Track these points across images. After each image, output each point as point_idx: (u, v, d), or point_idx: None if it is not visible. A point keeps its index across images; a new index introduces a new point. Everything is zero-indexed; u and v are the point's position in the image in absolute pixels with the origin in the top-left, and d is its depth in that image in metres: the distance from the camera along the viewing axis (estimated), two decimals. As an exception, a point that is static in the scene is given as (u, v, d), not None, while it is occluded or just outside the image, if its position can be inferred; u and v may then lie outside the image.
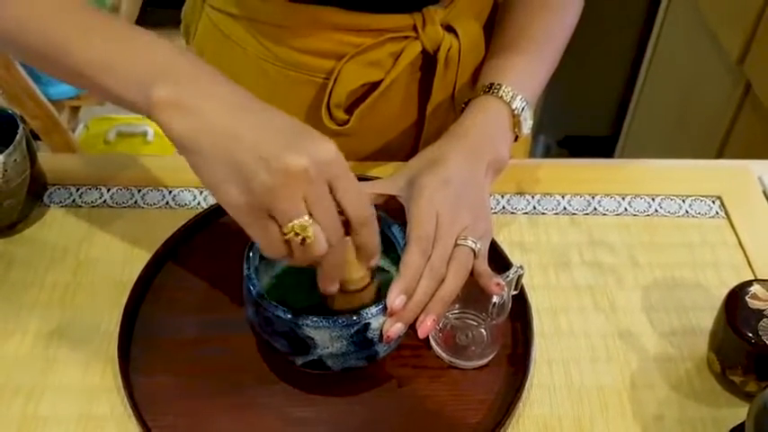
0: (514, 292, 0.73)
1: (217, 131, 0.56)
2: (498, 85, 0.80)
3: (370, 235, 0.62)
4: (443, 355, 0.73)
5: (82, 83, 0.63)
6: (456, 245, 0.70)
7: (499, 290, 0.69)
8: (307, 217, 0.56)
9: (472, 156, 0.76)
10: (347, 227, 0.60)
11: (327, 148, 0.57)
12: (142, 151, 2.18)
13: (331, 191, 0.57)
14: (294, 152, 0.55)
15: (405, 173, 0.76)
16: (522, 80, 0.82)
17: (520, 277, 0.72)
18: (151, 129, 2.25)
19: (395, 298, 0.65)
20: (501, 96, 0.79)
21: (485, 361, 0.73)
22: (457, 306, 0.74)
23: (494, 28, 0.91)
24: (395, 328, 0.66)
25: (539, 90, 0.85)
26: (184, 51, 0.61)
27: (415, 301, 0.66)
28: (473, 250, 0.70)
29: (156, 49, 0.60)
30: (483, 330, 0.73)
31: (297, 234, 0.56)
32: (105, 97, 0.62)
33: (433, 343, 0.74)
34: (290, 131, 0.58)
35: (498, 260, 0.79)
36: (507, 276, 0.71)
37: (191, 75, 0.59)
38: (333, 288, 0.63)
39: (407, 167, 0.76)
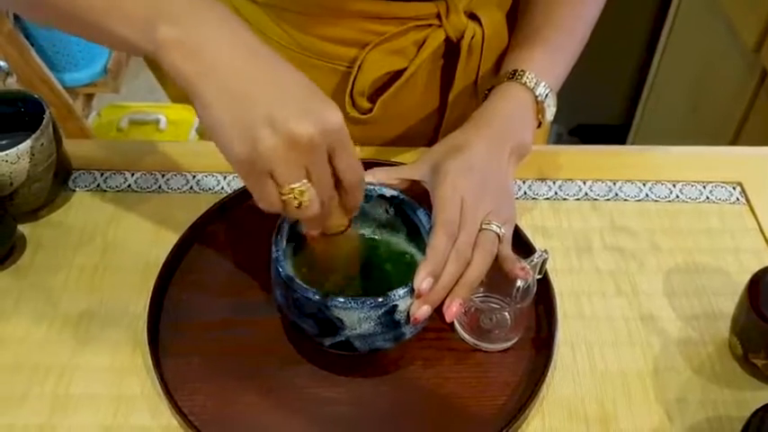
0: (539, 277, 0.73)
1: (228, 81, 0.55)
2: (522, 71, 0.80)
3: (358, 196, 0.63)
4: (468, 338, 0.74)
5: (86, 30, 0.61)
6: (481, 229, 0.70)
7: (524, 274, 0.70)
8: (305, 181, 0.57)
9: (495, 142, 0.76)
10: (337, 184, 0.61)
11: (334, 116, 0.57)
12: (155, 139, 2.19)
13: (330, 156, 0.58)
14: (302, 118, 0.55)
15: (428, 158, 0.76)
16: (546, 67, 0.82)
17: (544, 262, 0.73)
18: (164, 117, 2.25)
19: (422, 280, 0.66)
20: (524, 83, 0.79)
21: (509, 344, 0.74)
22: (481, 290, 0.74)
23: (517, 17, 0.91)
24: (422, 311, 0.66)
25: (562, 78, 0.85)
26: None
27: (442, 284, 0.67)
28: (498, 235, 0.71)
29: None
30: (507, 314, 0.74)
31: (294, 198, 0.57)
32: (111, 44, 0.61)
33: (457, 326, 0.75)
34: (300, 91, 0.57)
35: (522, 245, 0.79)
36: (532, 261, 0.72)
37: (199, 13, 0.57)
38: (314, 232, 0.65)
39: (431, 153, 0.77)
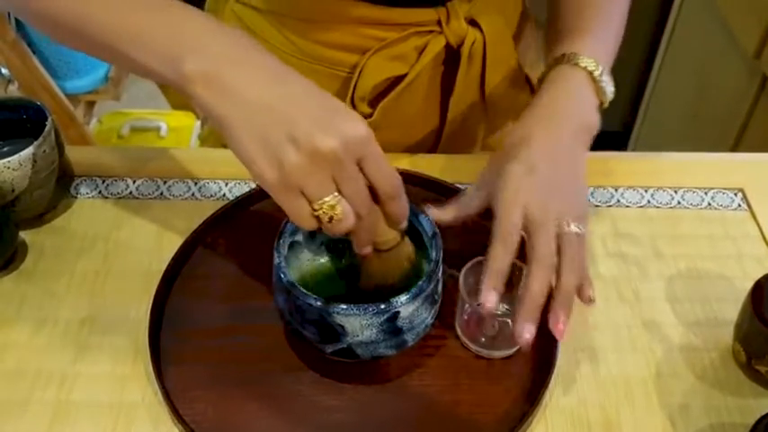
0: None
1: (249, 106, 0.56)
2: (572, 53, 0.77)
3: (400, 205, 0.62)
4: (470, 344, 0.74)
5: (112, 57, 0.63)
6: (559, 233, 0.67)
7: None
8: (336, 194, 0.57)
9: (558, 128, 0.73)
10: (376, 196, 0.60)
11: (357, 127, 0.57)
12: (156, 146, 2.19)
13: (360, 166, 0.58)
14: (324, 132, 0.55)
15: (492, 162, 0.74)
16: (594, 48, 0.78)
17: None
18: (164, 124, 2.26)
19: (486, 297, 0.65)
20: (577, 63, 0.76)
21: (511, 351, 0.74)
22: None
23: (548, 17, 0.89)
24: (527, 331, 0.64)
25: (612, 57, 0.81)
26: (215, 20, 0.61)
27: (533, 301, 0.65)
28: (578, 235, 0.67)
29: (186, 19, 0.60)
30: (510, 321, 0.74)
31: (325, 212, 0.57)
32: (135, 71, 0.62)
33: (459, 333, 0.74)
34: (322, 108, 0.58)
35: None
36: None
37: (223, 46, 0.59)
38: (366, 250, 0.64)
39: (493, 158, 0.74)
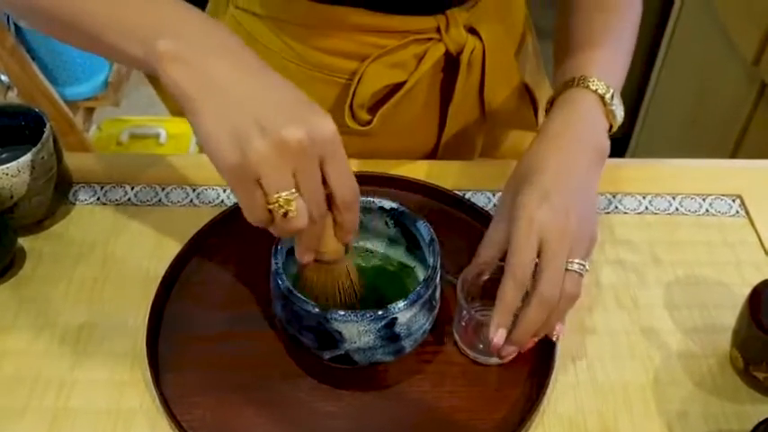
0: None
1: (220, 89, 0.56)
2: (582, 77, 0.76)
3: (353, 216, 0.61)
4: (468, 351, 0.74)
5: (89, 42, 0.62)
6: (566, 270, 0.67)
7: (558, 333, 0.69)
8: (293, 190, 0.56)
9: (572, 153, 0.72)
10: (329, 202, 0.59)
11: (326, 125, 0.56)
12: (155, 153, 2.19)
13: (322, 167, 0.57)
14: (292, 124, 0.54)
15: (505, 191, 0.73)
16: (604, 70, 0.78)
17: None
18: (164, 131, 2.26)
19: (494, 333, 0.66)
20: (587, 86, 0.76)
21: (509, 358, 0.73)
22: (479, 302, 0.74)
23: (556, 39, 0.89)
24: (507, 350, 0.67)
25: (621, 81, 0.81)
26: (193, 7, 0.60)
27: (525, 330, 0.66)
28: (581, 274, 0.67)
29: (162, 4, 0.60)
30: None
31: (281, 206, 0.56)
32: (112, 56, 0.62)
33: (457, 338, 0.74)
34: (292, 101, 0.57)
35: None
36: None
37: (198, 29, 0.58)
38: (308, 257, 0.63)
39: (507, 187, 0.74)
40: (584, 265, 0.67)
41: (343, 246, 0.64)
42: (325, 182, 0.58)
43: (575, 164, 0.72)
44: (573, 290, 0.67)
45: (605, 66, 0.79)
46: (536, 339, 0.68)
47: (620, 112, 0.77)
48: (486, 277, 0.72)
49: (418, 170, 0.91)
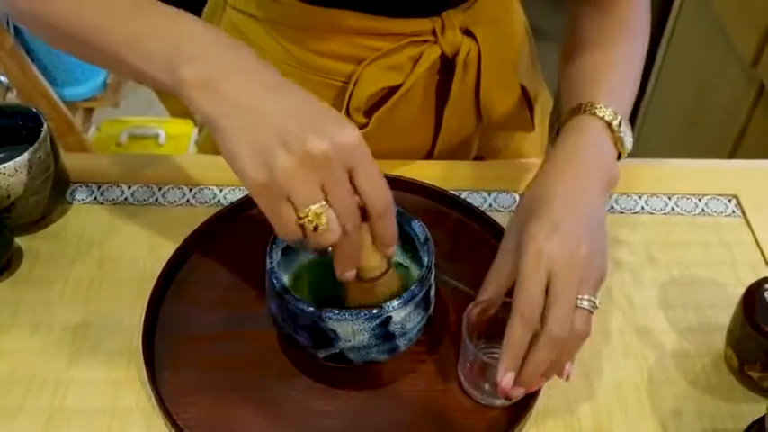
0: None
1: (244, 111, 0.56)
2: (589, 103, 0.75)
3: (388, 225, 0.60)
4: (473, 392, 0.70)
5: (108, 63, 0.63)
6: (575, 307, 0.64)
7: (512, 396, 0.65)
8: (323, 203, 0.56)
9: (580, 182, 0.70)
10: (365, 213, 0.59)
11: (350, 134, 0.56)
12: (154, 153, 2.20)
13: (351, 177, 0.57)
14: (316, 136, 0.55)
15: (513, 224, 0.70)
16: (611, 97, 0.76)
17: None
18: (163, 131, 2.26)
19: (502, 377, 0.63)
20: (594, 113, 0.74)
21: (515, 399, 0.69)
22: (487, 340, 0.71)
23: (563, 56, 0.88)
24: (515, 392, 0.64)
25: (628, 107, 0.79)
26: (214, 28, 0.61)
27: (534, 370, 0.63)
28: (591, 311, 0.64)
29: (181, 25, 0.60)
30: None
31: (311, 221, 0.56)
32: (131, 76, 0.62)
33: (461, 378, 0.71)
34: (314, 113, 0.57)
35: None
36: None
37: (222, 54, 0.59)
38: (349, 275, 0.61)
39: (514, 218, 0.71)
40: (594, 302, 0.64)
41: (384, 260, 0.64)
42: (356, 191, 0.57)
43: (584, 193, 0.69)
44: (583, 328, 0.64)
45: (612, 93, 0.77)
46: (544, 380, 0.65)
47: (628, 139, 0.75)
48: (491, 313, 0.70)
49: (414, 170, 0.91)
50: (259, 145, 0.55)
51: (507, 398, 0.65)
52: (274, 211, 0.57)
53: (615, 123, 0.73)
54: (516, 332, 0.62)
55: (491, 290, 0.69)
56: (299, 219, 0.56)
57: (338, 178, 0.56)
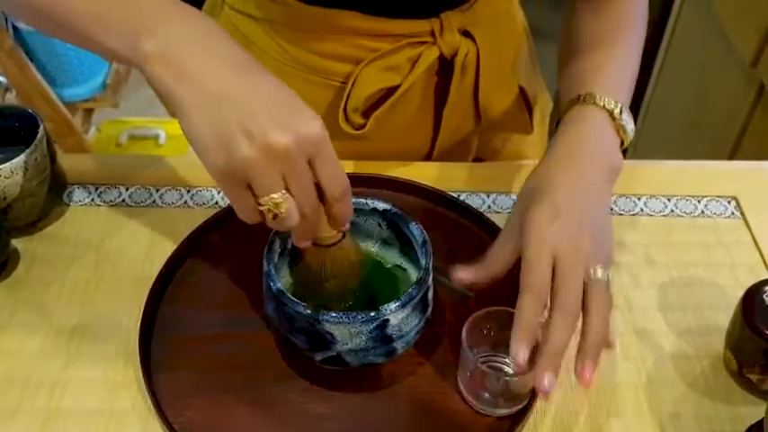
0: None
1: (206, 92, 0.56)
2: (589, 93, 0.75)
3: (344, 208, 0.62)
4: (473, 401, 0.70)
5: (75, 38, 0.62)
6: (588, 281, 0.63)
7: (547, 389, 0.61)
8: (283, 192, 0.56)
9: (583, 170, 0.70)
10: (322, 195, 0.60)
11: (312, 126, 0.56)
12: (154, 154, 2.20)
13: (310, 163, 0.57)
14: (279, 128, 0.55)
15: (515, 212, 0.70)
16: (611, 85, 0.76)
17: None
18: (163, 132, 2.26)
19: (516, 352, 0.61)
20: (595, 102, 0.74)
21: (515, 409, 0.69)
22: (487, 349, 0.71)
23: (561, 50, 0.88)
24: (547, 380, 0.60)
25: (630, 95, 0.79)
26: (179, 2, 0.60)
27: (554, 350, 0.61)
28: (605, 282, 0.64)
29: (155, 2, 0.59)
30: (515, 377, 0.67)
31: (269, 209, 0.57)
32: (101, 53, 0.62)
33: (461, 387, 0.71)
34: (279, 102, 0.57)
35: None
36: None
37: (185, 28, 0.58)
38: (305, 244, 0.64)
39: (517, 205, 0.71)
40: (606, 272, 0.64)
41: (337, 231, 0.65)
42: (315, 176, 0.58)
43: (587, 181, 0.69)
44: (601, 299, 0.63)
45: (612, 82, 0.77)
46: (587, 373, 0.62)
47: (630, 127, 0.74)
48: (491, 322, 0.70)
49: (413, 172, 0.91)
50: (221, 130, 0.55)
51: (542, 390, 0.61)
52: (234, 196, 0.57)
53: (617, 111, 0.73)
54: (530, 308, 0.62)
55: (486, 270, 0.68)
56: (259, 205, 0.57)
57: (299, 170, 0.57)
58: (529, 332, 0.61)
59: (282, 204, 0.57)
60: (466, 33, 0.88)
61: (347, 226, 0.65)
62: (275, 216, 0.57)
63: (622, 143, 0.74)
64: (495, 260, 0.68)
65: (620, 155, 0.73)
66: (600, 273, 0.63)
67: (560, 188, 0.67)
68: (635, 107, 2.21)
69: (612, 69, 0.80)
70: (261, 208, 0.57)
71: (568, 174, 0.69)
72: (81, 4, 0.61)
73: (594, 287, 0.63)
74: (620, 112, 0.73)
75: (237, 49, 0.59)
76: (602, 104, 0.73)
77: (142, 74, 0.58)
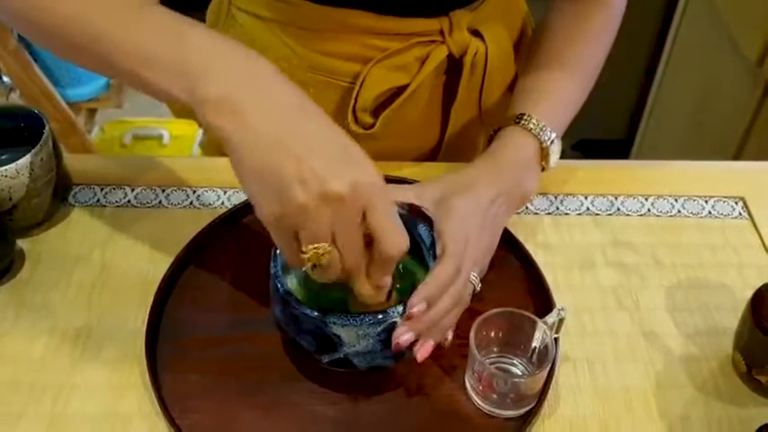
0: (556, 336, 0.71)
1: (260, 138, 0.55)
2: (528, 116, 0.79)
3: (385, 272, 0.61)
4: (480, 402, 0.70)
5: (122, 77, 0.62)
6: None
7: (401, 343, 0.65)
8: (327, 244, 0.56)
9: (500, 191, 0.76)
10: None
11: (369, 173, 0.56)
12: (158, 154, 2.20)
13: (365, 215, 0.56)
14: (334, 177, 0.54)
15: (434, 189, 0.75)
16: (552, 114, 0.81)
17: (562, 321, 0.70)
18: (167, 132, 2.26)
19: (416, 303, 0.64)
20: (530, 129, 0.79)
21: (522, 411, 0.69)
22: (495, 350, 0.72)
23: (527, 52, 0.90)
24: (405, 337, 0.64)
25: (569, 119, 0.84)
26: (236, 43, 0.59)
27: (435, 315, 0.65)
28: (474, 288, 0.72)
29: (201, 39, 0.58)
30: (523, 379, 0.69)
31: (309, 259, 0.57)
32: (146, 91, 0.61)
33: (468, 387, 0.71)
34: (335, 149, 0.56)
35: (543, 301, 0.77)
36: (547, 320, 0.69)
37: (239, 71, 0.57)
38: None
39: (436, 186, 0.76)
40: (477, 282, 0.72)
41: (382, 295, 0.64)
42: (369, 230, 0.58)
43: (497, 204, 0.75)
44: (466, 297, 0.70)
45: (553, 109, 0.82)
46: (425, 351, 0.66)
47: (554, 158, 0.80)
48: (499, 325, 0.70)
49: (420, 172, 0.91)
50: (274, 175, 0.54)
51: (399, 342, 0.64)
52: (282, 241, 0.58)
53: (546, 142, 0.79)
54: (448, 271, 0.66)
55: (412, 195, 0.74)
56: (302, 253, 0.56)
57: (349, 222, 0.56)
58: (436, 292, 0.65)
59: (324, 256, 0.56)
60: (475, 32, 0.87)
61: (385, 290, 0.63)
62: (314, 267, 0.57)
63: (543, 169, 0.81)
64: (405, 200, 0.73)
65: (535, 181, 0.80)
66: (473, 277, 0.71)
67: (482, 195, 0.74)
68: (640, 107, 2.21)
69: (561, 95, 0.84)
70: (303, 256, 0.56)
71: (490, 188, 0.75)
72: (126, 43, 0.59)
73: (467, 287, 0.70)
74: (551, 142, 0.79)
75: (293, 90, 0.58)
76: (536, 133, 0.79)
77: (196, 114, 0.57)
